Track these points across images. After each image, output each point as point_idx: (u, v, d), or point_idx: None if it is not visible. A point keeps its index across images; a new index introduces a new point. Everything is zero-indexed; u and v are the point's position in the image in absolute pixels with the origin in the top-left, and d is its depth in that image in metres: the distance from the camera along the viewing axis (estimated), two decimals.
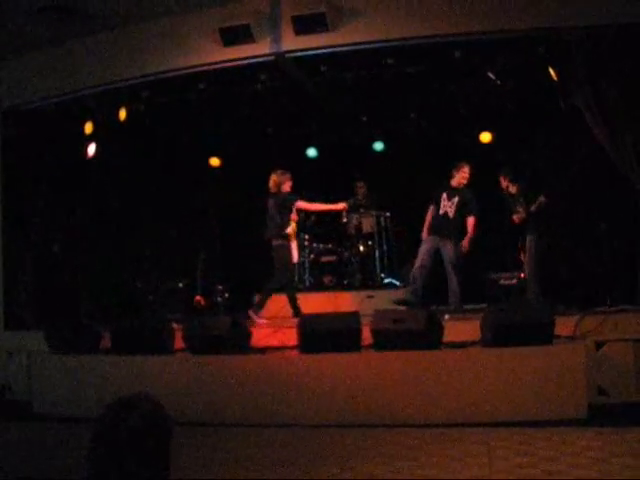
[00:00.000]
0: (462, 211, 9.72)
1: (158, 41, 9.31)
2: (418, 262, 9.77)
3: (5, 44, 9.77)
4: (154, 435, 2.00)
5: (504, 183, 9.79)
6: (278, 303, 11.12)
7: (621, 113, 8.17)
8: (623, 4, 7.72)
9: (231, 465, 5.72)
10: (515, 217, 9.60)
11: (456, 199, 9.75)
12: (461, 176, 9.79)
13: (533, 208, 9.39)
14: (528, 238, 9.53)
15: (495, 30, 8.23)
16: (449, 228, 9.72)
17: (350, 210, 11.72)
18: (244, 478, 5.34)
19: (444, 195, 9.83)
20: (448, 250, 9.62)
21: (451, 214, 9.75)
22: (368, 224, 12.18)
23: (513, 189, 9.70)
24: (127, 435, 1.95)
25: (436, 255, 9.79)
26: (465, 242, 9.63)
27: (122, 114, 10.68)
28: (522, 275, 9.94)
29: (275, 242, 9.72)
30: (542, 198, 9.34)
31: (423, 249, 9.82)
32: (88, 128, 10.79)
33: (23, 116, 10.42)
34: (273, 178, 9.83)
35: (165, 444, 2.05)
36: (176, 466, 2.17)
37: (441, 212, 9.84)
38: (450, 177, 9.90)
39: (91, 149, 11.03)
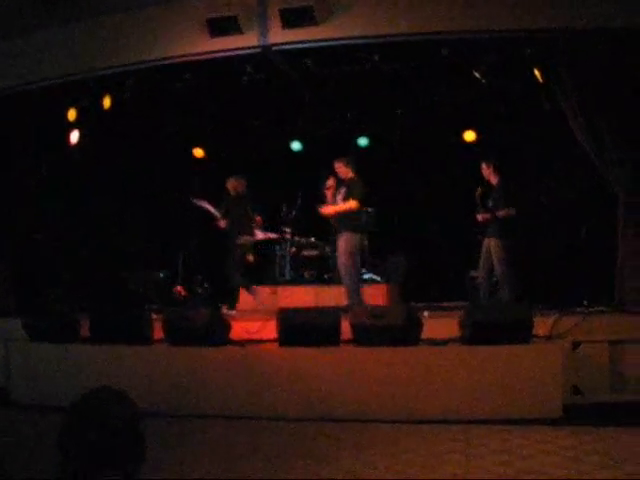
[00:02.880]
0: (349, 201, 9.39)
1: (145, 30, 9.25)
2: None
3: None
4: (124, 426, 2.01)
5: (486, 171, 9.70)
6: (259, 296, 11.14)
7: (603, 116, 8.23)
8: (608, 9, 7.78)
9: (207, 457, 5.73)
10: (480, 217, 9.53)
11: (343, 190, 9.53)
12: (340, 171, 9.57)
13: (500, 214, 9.35)
14: (492, 241, 9.38)
15: (482, 30, 8.26)
16: (338, 222, 9.51)
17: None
18: (220, 470, 5.35)
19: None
20: (339, 246, 9.43)
21: None
22: None
23: (494, 180, 9.63)
24: (97, 427, 1.96)
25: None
26: (325, 207, 9.66)
27: (106, 102, 10.62)
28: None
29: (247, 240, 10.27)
30: (512, 210, 9.29)
31: None
32: (72, 115, 10.72)
33: (4, 101, 10.32)
34: (241, 182, 10.43)
35: (136, 434, 2.05)
36: (151, 457, 2.17)
37: None
38: None
39: (74, 136, 10.96)
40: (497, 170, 9.61)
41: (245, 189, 10.59)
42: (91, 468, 1.93)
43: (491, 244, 9.39)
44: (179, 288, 11.79)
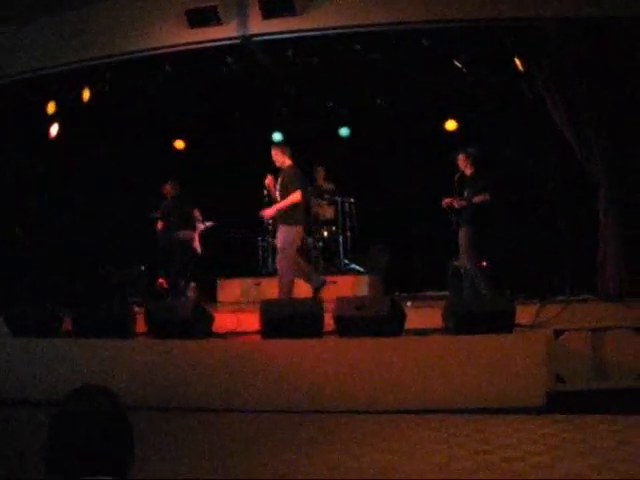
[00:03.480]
0: (286, 190, 9.13)
1: (124, 21, 9.17)
2: None
3: None
4: (114, 424, 1.99)
5: (462, 162, 9.64)
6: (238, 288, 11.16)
7: (585, 107, 8.25)
8: None
9: (191, 451, 5.71)
10: (456, 203, 9.54)
11: (279, 179, 9.31)
12: (276, 158, 9.35)
13: (475, 200, 9.33)
14: (462, 229, 9.39)
15: (464, 19, 8.26)
16: (278, 213, 9.24)
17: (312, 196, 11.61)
18: (204, 465, 5.34)
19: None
20: (277, 238, 9.23)
21: (278, 197, 9.28)
22: (327, 211, 12.16)
23: (469, 170, 9.62)
24: (87, 425, 1.95)
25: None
26: (268, 211, 9.37)
27: (86, 94, 10.53)
28: (484, 263, 9.93)
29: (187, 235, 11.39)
30: (487, 196, 9.26)
31: None
32: (51, 108, 10.62)
33: None
34: (176, 186, 11.41)
35: (126, 433, 2.04)
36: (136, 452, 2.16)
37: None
38: None
39: (53, 129, 10.87)
40: (472, 161, 9.61)
41: (179, 191, 11.42)
42: (81, 467, 1.91)
43: (462, 232, 9.41)
44: (161, 280, 11.73)
